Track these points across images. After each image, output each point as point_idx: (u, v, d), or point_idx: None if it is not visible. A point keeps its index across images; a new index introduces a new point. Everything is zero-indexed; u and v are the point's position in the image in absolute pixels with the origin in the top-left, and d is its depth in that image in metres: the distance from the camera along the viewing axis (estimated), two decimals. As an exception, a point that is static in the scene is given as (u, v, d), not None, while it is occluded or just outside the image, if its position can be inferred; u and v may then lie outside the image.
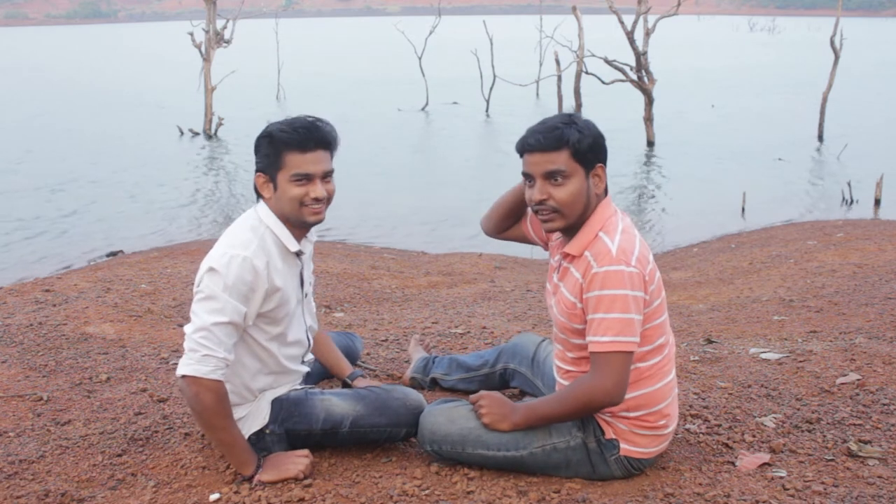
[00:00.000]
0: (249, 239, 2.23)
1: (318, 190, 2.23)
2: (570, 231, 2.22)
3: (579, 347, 2.22)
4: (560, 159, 2.13)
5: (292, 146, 2.20)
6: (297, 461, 2.27)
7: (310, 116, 2.27)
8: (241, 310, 2.17)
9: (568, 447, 2.23)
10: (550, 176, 2.14)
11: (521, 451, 2.24)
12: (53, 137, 15.68)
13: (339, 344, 2.99)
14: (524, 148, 2.19)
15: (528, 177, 2.21)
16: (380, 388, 2.45)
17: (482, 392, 2.34)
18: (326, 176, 2.27)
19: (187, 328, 2.18)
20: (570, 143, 2.12)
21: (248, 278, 2.17)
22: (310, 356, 2.58)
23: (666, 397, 2.24)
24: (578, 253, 2.17)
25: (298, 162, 2.21)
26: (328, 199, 2.29)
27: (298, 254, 2.35)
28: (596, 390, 2.09)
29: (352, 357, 3.08)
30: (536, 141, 2.14)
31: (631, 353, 2.10)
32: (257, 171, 2.29)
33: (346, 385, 2.69)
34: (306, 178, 2.22)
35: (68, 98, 23.23)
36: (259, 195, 2.33)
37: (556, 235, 2.36)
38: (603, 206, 2.21)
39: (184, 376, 2.15)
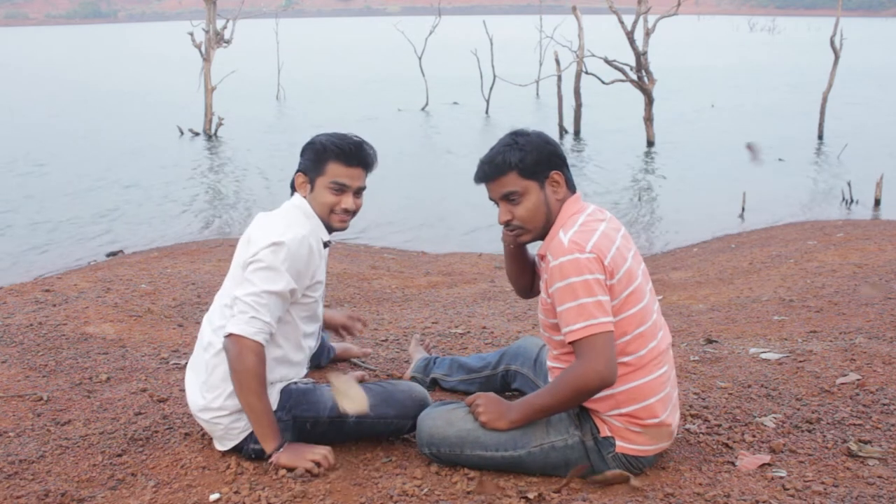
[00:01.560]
0: (304, 222, 2.44)
1: (349, 201, 2.46)
2: (542, 238, 2.34)
3: (560, 344, 2.27)
4: (509, 182, 2.27)
5: (338, 158, 2.42)
6: (315, 452, 2.32)
7: (356, 136, 2.50)
8: (293, 284, 2.33)
9: (566, 445, 2.24)
10: (507, 197, 2.27)
11: (519, 450, 2.25)
12: (54, 138, 15.67)
13: None
14: (477, 180, 2.33)
15: (493, 200, 2.34)
16: (386, 382, 2.58)
17: (477, 393, 2.36)
18: (359, 192, 2.50)
19: (238, 291, 2.31)
20: (512, 165, 2.25)
21: (305, 256, 2.35)
22: None
23: (656, 392, 2.24)
24: (544, 252, 2.28)
25: (339, 172, 2.43)
26: (354, 213, 2.51)
27: (327, 244, 2.52)
28: (587, 373, 2.11)
29: (319, 346, 3.14)
30: (483, 173, 2.31)
31: (610, 332, 2.12)
32: (298, 170, 2.49)
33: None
34: (342, 189, 2.44)
35: (69, 98, 23.22)
36: (294, 191, 2.53)
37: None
38: (567, 207, 2.30)
39: (229, 335, 2.28)
